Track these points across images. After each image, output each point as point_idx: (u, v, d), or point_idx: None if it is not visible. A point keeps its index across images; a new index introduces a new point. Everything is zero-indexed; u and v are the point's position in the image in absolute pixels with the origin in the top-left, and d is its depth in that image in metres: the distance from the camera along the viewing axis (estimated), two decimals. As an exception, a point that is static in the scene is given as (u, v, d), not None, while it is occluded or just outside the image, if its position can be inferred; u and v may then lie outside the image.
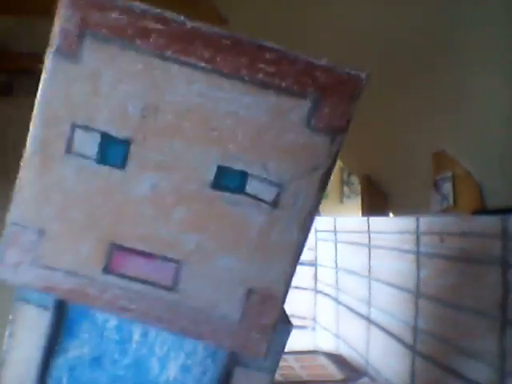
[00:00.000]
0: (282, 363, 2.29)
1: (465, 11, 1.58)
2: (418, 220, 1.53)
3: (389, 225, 1.85)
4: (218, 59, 0.55)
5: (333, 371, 2.02)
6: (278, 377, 1.97)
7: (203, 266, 0.57)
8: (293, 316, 2.80)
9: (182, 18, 0.56)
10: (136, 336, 0.61)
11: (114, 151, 0.57)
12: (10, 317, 0.60)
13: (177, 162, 0.57)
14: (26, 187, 0.57)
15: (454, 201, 2.00)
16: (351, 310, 2.11)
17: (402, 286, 1.62)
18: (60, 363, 0.60)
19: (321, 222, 2.63)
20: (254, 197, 0.57)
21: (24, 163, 0.57)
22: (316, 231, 2.61)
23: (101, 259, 0.58)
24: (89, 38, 0.55)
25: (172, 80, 0.55)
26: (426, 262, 1.46)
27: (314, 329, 2.51)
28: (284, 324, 0.69)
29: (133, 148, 0.57)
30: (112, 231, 0.58)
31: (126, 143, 0.57)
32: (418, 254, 1.51)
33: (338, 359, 2.14)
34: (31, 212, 0.57)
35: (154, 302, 0.57)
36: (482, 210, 1.73)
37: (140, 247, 0.58)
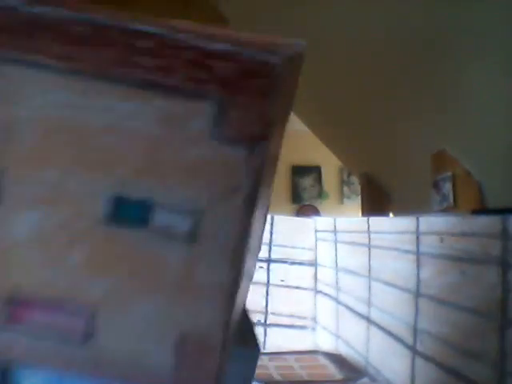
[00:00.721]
0: (281, 363, 2.29)
1: (465, 11, 1.58)
2: (417, 220, 1.53)
3: (389, 225, 1.85)
4: (76, 55, 0.42)
5: (333, 371, 2.02)
6: (278, 377, 1.97)
7: (121, 312, 0.48)
8: (293, 316, 2.80)
9: (19, 1, 0.42)
10: None
11: None
12: None
13: (57, 194, 0.46)
14: None
15: (454, 201, 2.00)
16: (351, 309, 2.11)
17: (402, 286, 1.62)
18: None
19: (321, 222, 2.63)
20: (164, 230, 0.46)
21: None
22: (316, 231, 2.61)
23: None
24: None
25: (21, 89, 0.43)
26: (426, 262, 1.46)
27: (314, 329, 2.51)
28: (250, 347, 0.61)
29: (4, 180, 0.46)
30: (4, 281, 0.48)
31: None
32: (417, 254, 1.51)
33: (337, 359, 2.14)
34: None
35: (70, 357, 0.49)
36: (482, 210, 1.73)
37: (41, 296, 0.48)
